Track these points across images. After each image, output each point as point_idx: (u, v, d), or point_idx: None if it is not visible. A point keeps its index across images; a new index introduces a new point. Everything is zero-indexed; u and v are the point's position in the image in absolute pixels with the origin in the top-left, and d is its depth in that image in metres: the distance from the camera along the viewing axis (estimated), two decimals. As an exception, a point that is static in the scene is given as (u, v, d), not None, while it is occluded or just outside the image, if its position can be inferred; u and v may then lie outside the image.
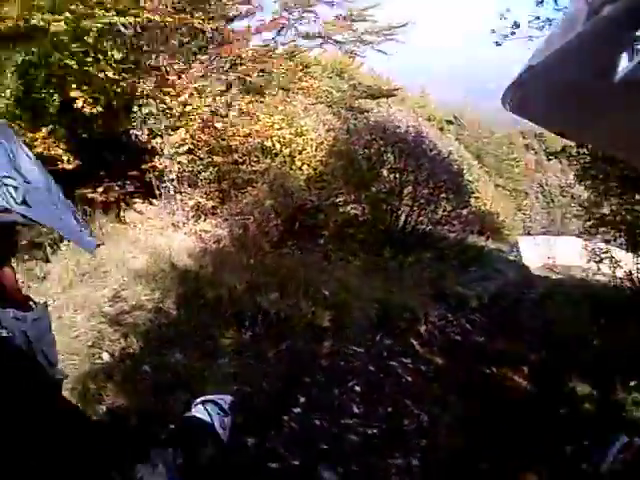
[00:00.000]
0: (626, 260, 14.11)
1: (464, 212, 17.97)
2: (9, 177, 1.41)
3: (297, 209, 11.52)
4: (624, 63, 1.05)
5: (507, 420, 5.89)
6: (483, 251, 20.44)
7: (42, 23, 9.48)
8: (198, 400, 2.75)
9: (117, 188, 10.87)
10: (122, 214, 10.57)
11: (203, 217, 10.75)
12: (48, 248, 8.28)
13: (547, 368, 7.94)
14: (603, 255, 14.96)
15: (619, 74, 1.06)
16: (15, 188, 1.48)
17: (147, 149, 10.75)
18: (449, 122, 37.24)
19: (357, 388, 6.41)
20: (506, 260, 22.46)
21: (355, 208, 14.21)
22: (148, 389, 5.29)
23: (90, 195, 10.22)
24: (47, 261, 8.07)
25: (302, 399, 5.82)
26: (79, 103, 9.95)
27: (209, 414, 2.63)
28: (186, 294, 7.27)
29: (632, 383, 7.23)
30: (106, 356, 5.93)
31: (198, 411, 2.67)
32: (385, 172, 15.02)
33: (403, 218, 15.20)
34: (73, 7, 9.76)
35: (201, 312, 6.89)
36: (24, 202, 1.44)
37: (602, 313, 10.21)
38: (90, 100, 10.03)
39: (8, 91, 9.17)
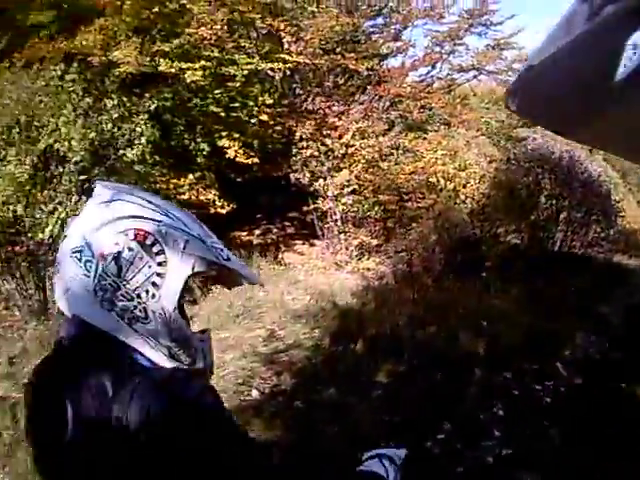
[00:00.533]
0: None
1: (611, 232, 17.77)
2: (215, 241, 1.68)
3: (459, 242, 11.35)
4: (625, 63, 1.04)
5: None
6: (627, 269, 19.96)
7: (173, 70, 9.38)
8: (372, 453, 2.27)
9: (276, 230, 11.22)
10: (281, 255, 10.72)
11: (367, 255, 10.68)
12: (197, 290, 8.43)
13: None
14: None
15: (620, 74, 1.05)
16: (222, 249, 1.65)
17: (308, 191, 10.79)
18: (596, 146, 35.74)
19: (500, 412, 6.35)
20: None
21: (515, 237, 14.23)
22: (297, 425, 5.31)
23: (246, 237, 10.50)
24: (195, 303, 8.23)
25: (447, 426, 5.76)
26: (231, 153, 9.89)
27: (385, 468, 2.20)
28: (346, 332, 7.25)
29: None
30: (255, 393, 6.00)
31: (373, 465, 2.21)
32: (543, 199, 14.83)
33: (558, 243, 15.15)
34: (207, 53, 9.66)
35: (359, 349, 6.86)
36: (228, 258, 1.65)
37: None
38: (242, 151, 9.97)
39: (143, 138, 8.82)
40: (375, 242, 10.85)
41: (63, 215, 7.40)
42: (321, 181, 10.68)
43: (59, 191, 7.81)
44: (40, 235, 7.52)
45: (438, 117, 14.95)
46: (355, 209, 10.79)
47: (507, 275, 11.61)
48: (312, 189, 10.75)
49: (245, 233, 10.74)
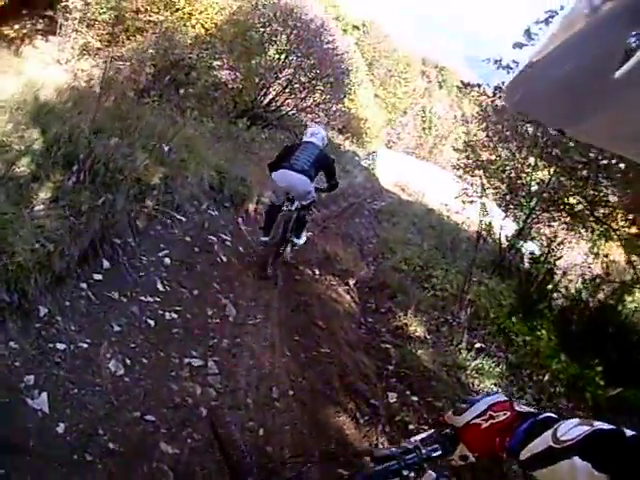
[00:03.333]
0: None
1: (334, 108, 18.90)
2: None
3: (173, 64, 11.60)
4: (624, 60, 1.04)
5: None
6: (339, 149, 21.32)
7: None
8: None
9: (29, 25, 10.86)
10: (21, 49, 10.35)
11: (87, 57, 10.63)
12: None
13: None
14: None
15: (619, 71, 1.04)
16: None
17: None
18: (355, 27, 35.97)
19: (167, 260, 6.40)
20: (358, 164, 23.17)
21: (229, 75, 14.59)
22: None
23: (6, 32, 10.36)
24: None
25: (106, 263, 5.53)
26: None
27: None
28: (33, 127, 6.24)
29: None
30: None
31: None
32: (272, 51, 15.27)
33: (272, 96, 15.80)
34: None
35: (35, 150, 5.86)
36: None
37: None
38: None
39: None
40: (98, 45, 10.99)
41: None
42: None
43: None
44: None
45: None
46: (94, 10, 10.82)
47: (208, 108, 12.46)
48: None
49: (8, 27, 10.54)
